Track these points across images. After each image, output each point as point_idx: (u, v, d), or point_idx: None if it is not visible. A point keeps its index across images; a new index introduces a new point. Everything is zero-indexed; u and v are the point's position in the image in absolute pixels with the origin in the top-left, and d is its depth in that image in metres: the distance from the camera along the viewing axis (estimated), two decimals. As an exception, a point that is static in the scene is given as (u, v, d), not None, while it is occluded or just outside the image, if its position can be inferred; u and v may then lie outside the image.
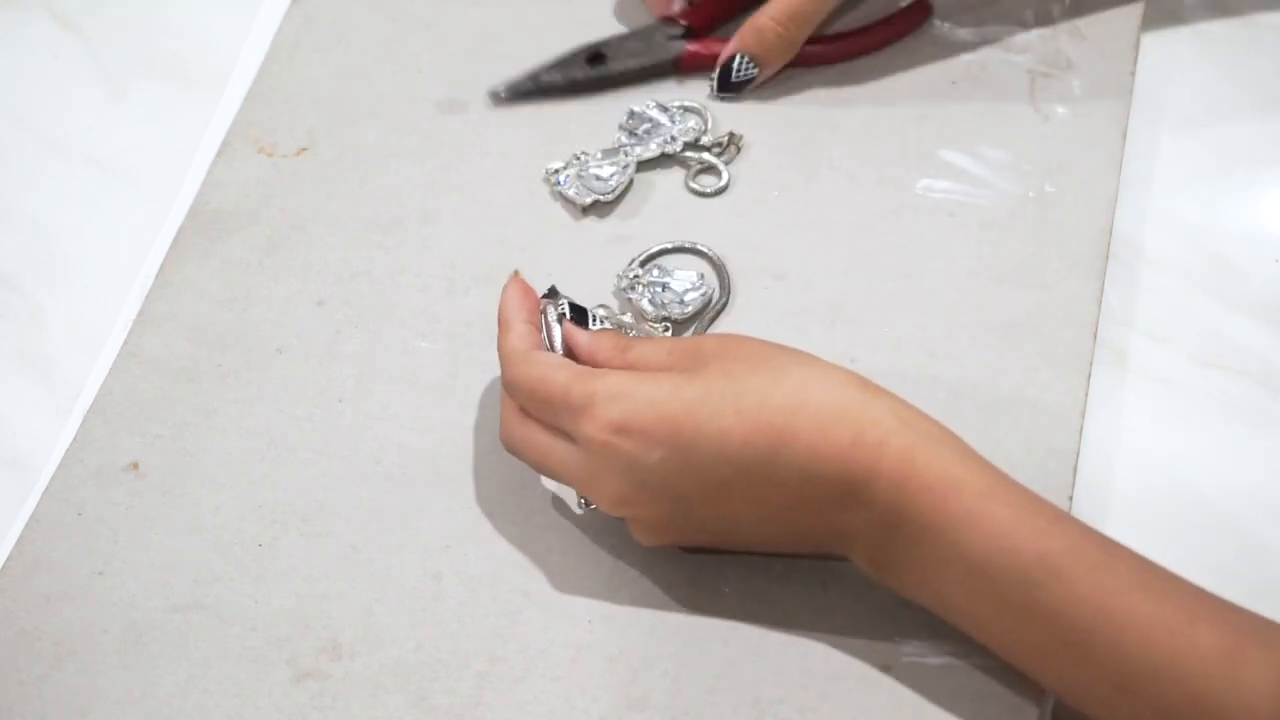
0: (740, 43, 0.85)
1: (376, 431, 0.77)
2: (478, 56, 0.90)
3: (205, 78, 0.92)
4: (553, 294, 0.74)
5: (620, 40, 0.88)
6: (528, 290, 0.73)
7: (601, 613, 0.71)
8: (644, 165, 0.85)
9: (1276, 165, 0.83)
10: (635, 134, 0.85)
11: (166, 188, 0.87)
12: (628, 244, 0.82)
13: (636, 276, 0.80)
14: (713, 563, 0.71)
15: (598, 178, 0.83)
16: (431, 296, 0.81)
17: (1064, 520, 0.64)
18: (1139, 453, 0.75)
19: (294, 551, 0.74)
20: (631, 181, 0.84)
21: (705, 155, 0.85)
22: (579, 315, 0.73)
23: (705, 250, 0.81)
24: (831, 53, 0.87)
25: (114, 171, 0.89)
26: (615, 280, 0.80)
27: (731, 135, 0.85)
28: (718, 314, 0.79)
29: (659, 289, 0.79)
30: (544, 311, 0.72)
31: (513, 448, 0.71)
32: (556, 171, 0.84)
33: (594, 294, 0.79)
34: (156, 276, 0.83)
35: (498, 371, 0.71)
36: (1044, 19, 0.87)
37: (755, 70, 0.85)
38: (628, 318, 0.77)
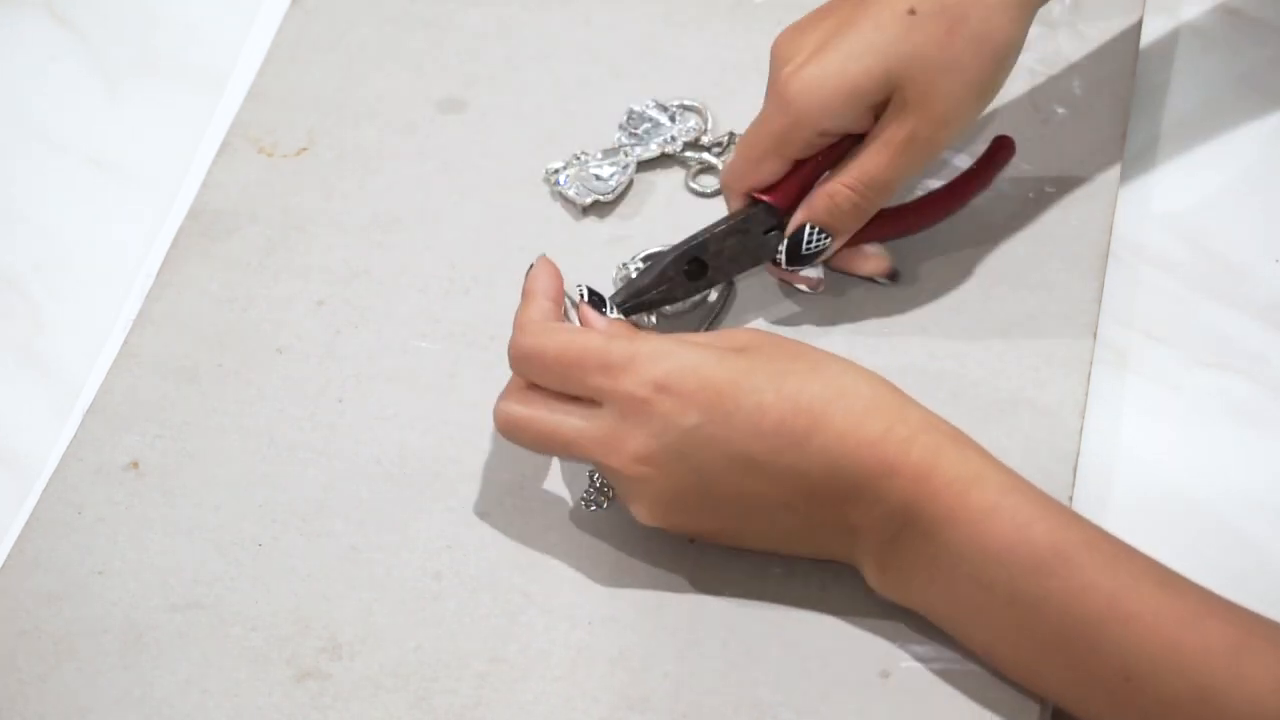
0: (810, 212, 0.75)
1: (376, 431, 0.77)
2: (478, 56, 0.90)
3: (205, 78, 0.92)
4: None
5: (718, 240, 0.76)
6: (556, 272, 0.73)
7: (602, 614, 0.71)
8: (644, 165, 0.85)
9: (1276, 165, 0.83)
10: (635, 134, 0.85)
11: (166, 188, 0.87)
12: (628, 244, 0.82)
13: (628, 265, 0.80)
14: (714, 565, 0.71)
15: (598, 178, 0.83)
16: (431, 296, 0.81)
17: (1078, 519, 0.65)
18: (1139, 453, 0.75)
19: (294, 551, 0.74)
20: (631, 181, 0.84)
21: (705, 155, 0.85)
22: (596, 302, 0.73)
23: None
24: (913, 220, 0.79)
25: (114, 171, 0.89)
26: (616, 270, 0.80)
27: (731, 135, 0.85)
28: (718, 314, 0.79)
29: None
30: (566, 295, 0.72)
31: (513, 426, 0.70)
32: (556, 171, 0.84)
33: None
34: (156, 276, 0.83)
35: (498, 371, 0.71)
36: (1044, 19, 0.87)
37: (827, 241, 0.75)
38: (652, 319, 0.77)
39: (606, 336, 0.68)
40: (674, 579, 0.71)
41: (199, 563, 0.73)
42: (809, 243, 0.75)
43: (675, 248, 0.76)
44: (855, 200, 0.74)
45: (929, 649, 0.68)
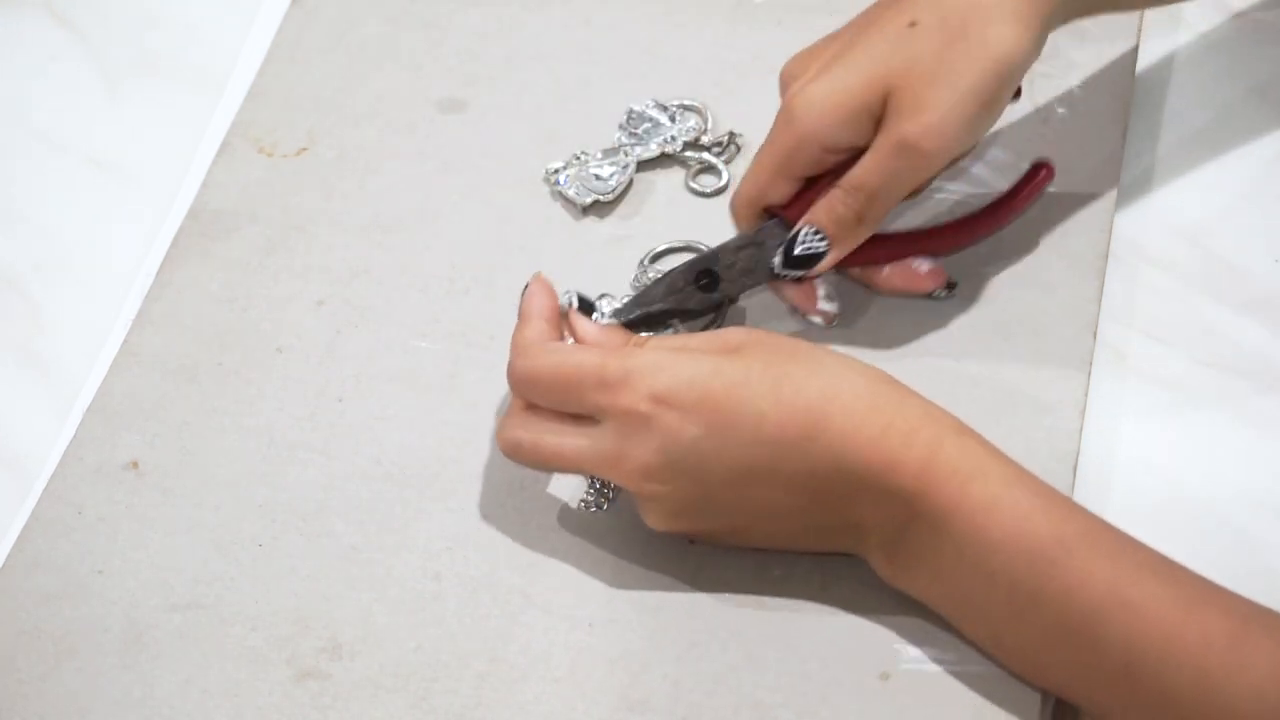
0: (810, 215, 0.74)
1: (376, 431, 0.77)
2: (478, 56, 0.90)
3: (205, 78, 0.92)
4: (585, 307, 0.74)
5: (730, 253, 0.76)
6: (550, 290, 0.73)
7: (602, 615, 0.71)
8: (644, 165, 0.85)
9: (1276, 165, 0.83)
10: (635, 134, 0.85)
11: (166, 188, 0.88)
12: (628, 244, 0.82)
13: (645, 267, 0.80)
14: (714, 567, 0.71)
15: (597, 177, 0.83)
16: (431, 296, 0.81)
17: (1080, 510, 0.65)
18: (1139, 452, 0.75)
19: (294, 551, 0.74)
20: (631, 181, 0.84)
21: (705, 155, 0.85)
22: (586, 308, 0.73)
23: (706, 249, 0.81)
24: (945, 241, 0.78)
25: (113, 171, 0.89)
26: (635, 272, 0.80)
27: (731, 135, 0.85)
28: (721, 313, 0.79)
29: None
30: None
31: (517, 449, 0.70)
32: (556, 171, 0.84)
33: (594, 294, 0.79)
34: (156, 276, 0.83)
35: (498, 371, 0.71)
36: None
37: (824, 245, 0.74)
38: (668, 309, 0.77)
39: (602, 353, 0.68)
40: (674, 579, 0.71)
41: (199, 563, 0.73)
42: (803, 242, 0.74)
43: (687, 262, 0.76)
44: (851, 205, 0.73)
45: (929, 649, 0.68)
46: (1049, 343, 0.76)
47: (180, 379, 0.79)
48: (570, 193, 0.83)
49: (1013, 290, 0.78)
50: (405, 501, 0.75)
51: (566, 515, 0.73)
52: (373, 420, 0.77)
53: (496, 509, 0.74)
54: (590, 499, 0.73)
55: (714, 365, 0.66)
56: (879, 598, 0.68)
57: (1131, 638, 0.62)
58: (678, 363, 0.67)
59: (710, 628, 0.70)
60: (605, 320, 0.74)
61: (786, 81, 0.75)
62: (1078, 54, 0.86)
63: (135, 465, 0.77)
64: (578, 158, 0.84)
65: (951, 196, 0.81)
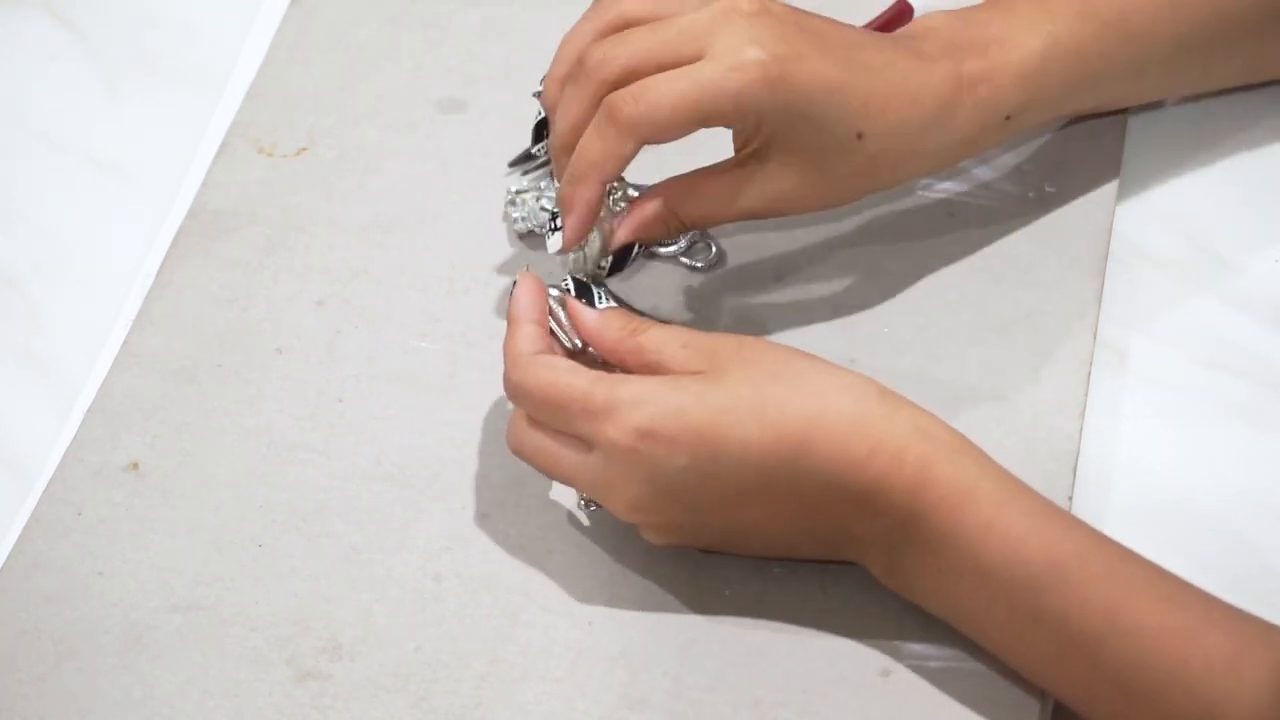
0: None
1: (376, 431, 0.77)
2: (478, 56, 0.90)
3: (205, 78, 0.92)
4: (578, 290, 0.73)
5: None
6: (539, 289, 0.71)
7: (602, 614, 0.71)
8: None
9: (1277, 165, 0.83)
10: None
11: (166, 188, 0.87)
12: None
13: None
14: (714, 565, 0.71)
15: (544, 209, 0.82)
16: (431, 296, 0.81)
17: (1077, 528, 0.64)
18: (1139, 453, 0.75)
19: (294, 551, 0.74)
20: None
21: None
22: (583, 292, 0.72)
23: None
24: None
25: (114, 171, 0.89)
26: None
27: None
28: (711, 265, 0.79)
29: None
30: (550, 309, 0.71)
31: (521, 452, 0.70)
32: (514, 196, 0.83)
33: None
34: (156, 276, 0.83)
35: (498, 372, 0.71)
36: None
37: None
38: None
39: (589, 379, 0.67)
40: (674, 579, 0.71)
41: (199, 563, 0.73)
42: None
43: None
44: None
45: (929, 648, 0.68)
46: (1049, 343, 0.76)
47: (180, 379, 0.79)
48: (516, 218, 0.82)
49: (1013, 290, 0.78)
50: (405, 501, 0.75)
51: (566, 515, 0.73)
52: (373, 420, 0.77)
53: (496, 509, 0.74)
54: (590, 498, 0.72)
55: (698, 394, 0.65)
56: (880, 594, 0.68)
57: (1130, 662, 0.61)
58: (662, 394, 0.66)
59: (710, 626, 0.70)
60: (605, 305, 0.72)
61: None
62: (1078, 54, 0.86)
63: (135, 466, 0.77)
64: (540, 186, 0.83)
65: (948, 196, 0.81)
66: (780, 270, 0.80)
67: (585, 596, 0.71)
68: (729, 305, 0.79)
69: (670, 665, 0.69)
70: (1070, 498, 0.72)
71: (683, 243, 0.80)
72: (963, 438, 0.66)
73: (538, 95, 0.77)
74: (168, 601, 0.73)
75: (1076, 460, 0.73)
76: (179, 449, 0.77)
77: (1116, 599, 0.62)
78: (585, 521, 0.73)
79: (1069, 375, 0.75)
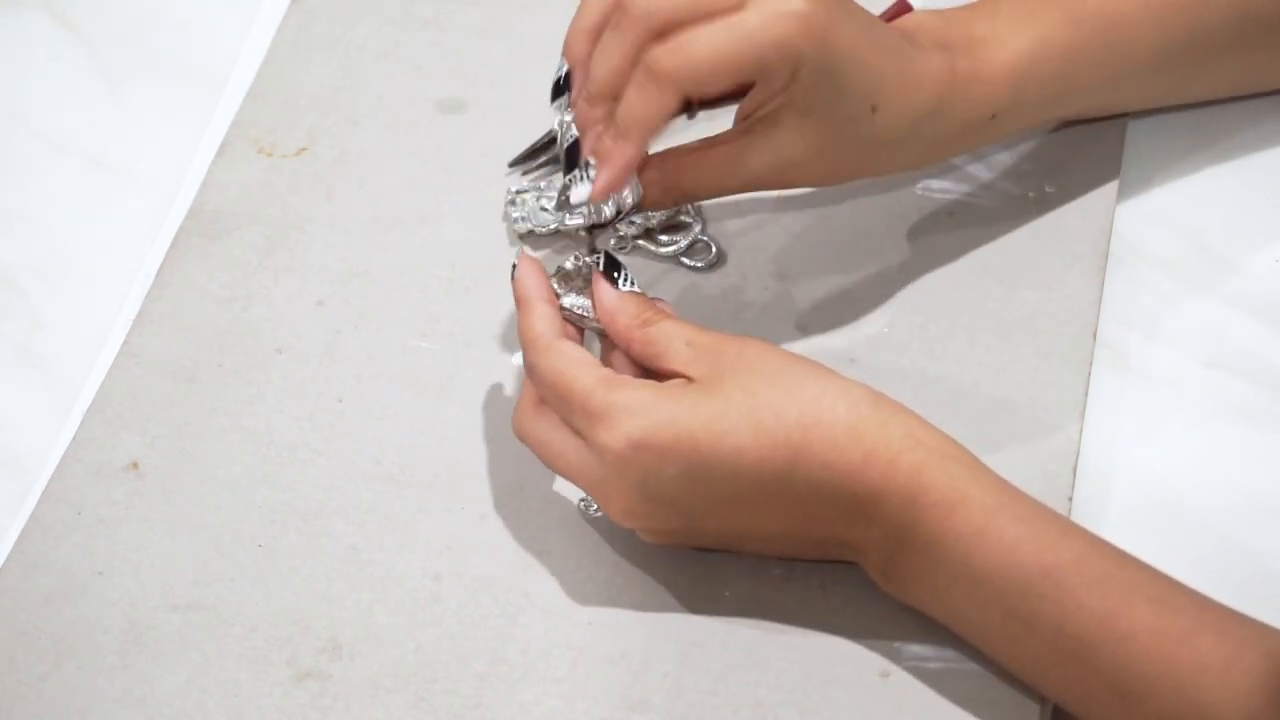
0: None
1: (376, 431, 0.77)
2: (478, 56, 0.90)
3: (205, 78, 0.92)
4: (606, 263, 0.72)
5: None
6: (541, 269, 0.71)
7: (602, 614, 0.71)
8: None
9: (1277, 165, 0.83)
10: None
11: (166, 188, 0.87)
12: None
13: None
14: (713, 566, 0.71)
15: (543, 209, 0.82)
16: (431, 296, 0.81)
17: (1071, 533, 0.64)
18: (1138, 453, 0.75)
19: (294, 551, 0.74)
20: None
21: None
22: (611, 267, 0.71)
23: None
24: None
25: (114, 171, 0.89)
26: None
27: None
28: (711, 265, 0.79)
29: None
30: (565, 277, 0.71)
31: (525, 439, 0.70)
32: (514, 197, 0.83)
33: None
34: (156, 276, 0.83)
35: (498, 372, 0.71)
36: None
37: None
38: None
39: (594, 377, 0.67)
40: (674, 579, 0.71)
41: (199, 563, 0.73)
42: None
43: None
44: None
45: (929, 649, 0.68)
46: (1049, 343, 0.76)
47: (180, 379, 0.79)
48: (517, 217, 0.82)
49: (1013, 290, 0.78)
50: (405, 501, 0.75)
51: (566, 515, 0.73)
52: (373, 420, 0.77)
53: (496, 509, 0.74)
54: (590, 499, 0.73)
55: (691, 404, 0.65)
56: (879, 595, 0.68)
57: (1124, 667, 0.61)
58: (657, 404, 0.66)
59: (710, 627, 0.70)
60: (628, 288, 0.71)
61: None
62: (1078, 54, 0.86)
63: (135, 466, 0.77)
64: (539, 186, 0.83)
65: (948, 196, 0.81)
66: (780, 270, 0.80)
67: (585, 597, 0.71)
68: (729, 305, 0.79)
69: (670, 666, 0.69)
70: (1070, 498, 0.72)
71: (683, 243, 0.81)
72: (955, 444, 0.66)
73: (559, 103, 0.74)
74: (167, 601, 0.73)
75: (1076, 460, 0.73)
76: (179, 449, 0.77)
77: (1110, 604, 0.62)
78: (586, 521, 0.73)
79: (1069, 375, 0.75)
